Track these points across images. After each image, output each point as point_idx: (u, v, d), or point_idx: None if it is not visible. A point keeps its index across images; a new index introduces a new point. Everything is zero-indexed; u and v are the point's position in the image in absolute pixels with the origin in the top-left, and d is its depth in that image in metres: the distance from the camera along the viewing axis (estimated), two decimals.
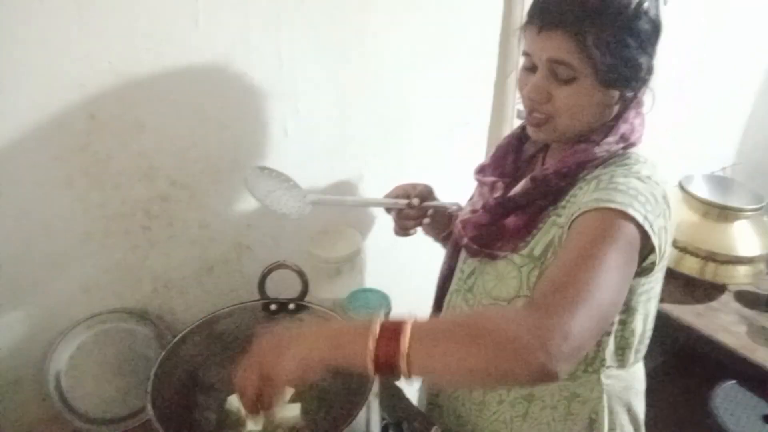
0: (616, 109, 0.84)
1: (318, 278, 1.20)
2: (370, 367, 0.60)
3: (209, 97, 0.99)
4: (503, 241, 0.90)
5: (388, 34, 1.16)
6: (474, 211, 0.96)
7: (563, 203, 0.86)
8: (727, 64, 2.27)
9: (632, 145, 0.86)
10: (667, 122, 2.16)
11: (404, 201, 1.02)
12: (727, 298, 1.94)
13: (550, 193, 0.87)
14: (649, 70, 0.81)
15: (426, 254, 1.20)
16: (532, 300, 0.65)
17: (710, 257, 1.83)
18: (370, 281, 1.31)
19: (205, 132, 1.01)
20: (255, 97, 1.04)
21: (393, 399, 1.09)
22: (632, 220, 0.71)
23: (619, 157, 0.85)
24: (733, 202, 1.86)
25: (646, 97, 0.87)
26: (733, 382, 1.77)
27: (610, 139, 0.84)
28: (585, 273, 0.65)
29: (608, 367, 0.93)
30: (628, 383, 0.98)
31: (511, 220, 0.89)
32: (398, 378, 0.61)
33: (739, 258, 1.80)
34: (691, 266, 1.86)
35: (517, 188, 0.91)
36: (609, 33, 0.75)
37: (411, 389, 1.19)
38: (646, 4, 0.76)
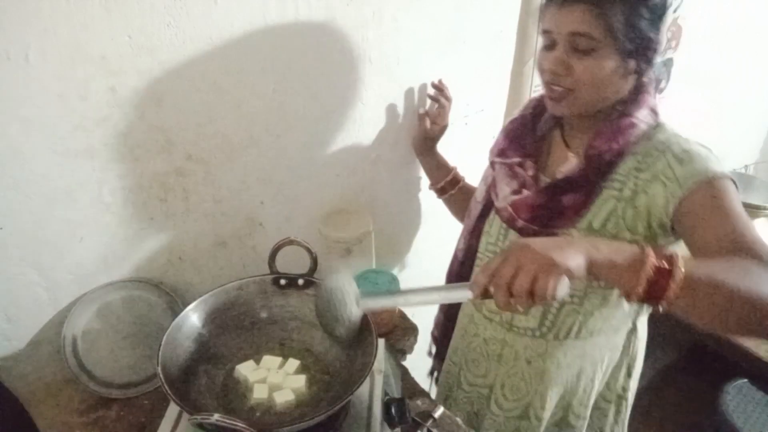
0: (630, 82, 0.89)
1: (328, 257, 1.22)
2: (640, 289, 0.65)
3: (226, 73, 1.00)
4: (561, 219, 0.93)
5: (405, 17, 1.17)
6: (516, 192, 0.99)
7: (618, 177, 0.90)
8: (752, 61, 2.23)
9: (658, 115, 0.93)
10: (691, 119, 2.13)
11: (468, 293, 0.74)
12: None
13: (604, 168, 0.91)
14: (659, 45, 0.88)
15: (435, 237, 1.22)
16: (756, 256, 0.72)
17: None
18: (380, 263, 1.33)
19: (222, 108, 1.03)
20: (271, 75, 1.06)
21: (398, 377, 1.11)
22: (727, 178, 0.82)
23: (656, 128, 0.92)
24: (753, 199, 1.83)
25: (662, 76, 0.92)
26: (745, 380, 1.76)
27: (644, 112, 0.91)
28: (754, 232, 0.76)
29: (642, 314, 1.04)
30: (644, 322, 1.08)
31: (568, 198, 0.92)
32: (655, 305, 0.66)
33: None
34: None
35: (571, 167, 0.94)
36: (626, 5, 0.81)
37: (416, 369, 1.21)
38: None
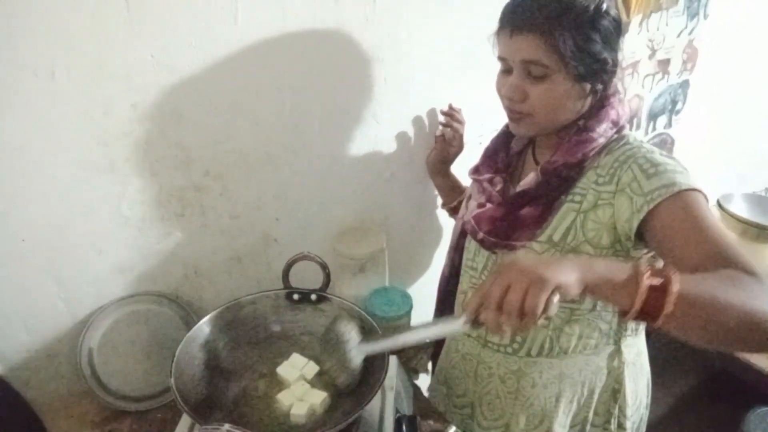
0: (589, 101, 0.91)
1: (341, 274, 1.23)
2: (637, 307, 0.62)
3: (245, 91, 1.03)
4: (520, 231, 0.94)
5: (420, 37, 1.19)
6: (481, 206, 1.02)
7: (578, 190, 0.91)
8: None
9: (622, 128, 0.93)
10: (711, 141, 2.12)
11: (459, 321, 0.72)
12: None
13: (561, 182, 0.92)
14: (615, 64, 0.89)
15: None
16: (748, 271, 0.68)
17: None
18: (393, 280, 1.33)
19: (240, 125, 1.05)
20: (289, 94, 1.08)
21: (410, 395, 1.10)
22: (696, 190, 0.80)
23: (616, 140, 0.92)
24: None
25: (620, 86, 0.94)
26: (767, 408, 1.71)
27: (604, 126, 0.91)
28: (732, 243, 0.72)
29: (627, 336, 0.99)
30: (639, 348, 1.05)
31: (526, 211, 0.94)
32: (652, 324, 0.64)
33: None
34: None
35: (528, 181, 0.96)
36: (575, 31, 0.83)
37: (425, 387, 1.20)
38: (605, 5, 0.84)
